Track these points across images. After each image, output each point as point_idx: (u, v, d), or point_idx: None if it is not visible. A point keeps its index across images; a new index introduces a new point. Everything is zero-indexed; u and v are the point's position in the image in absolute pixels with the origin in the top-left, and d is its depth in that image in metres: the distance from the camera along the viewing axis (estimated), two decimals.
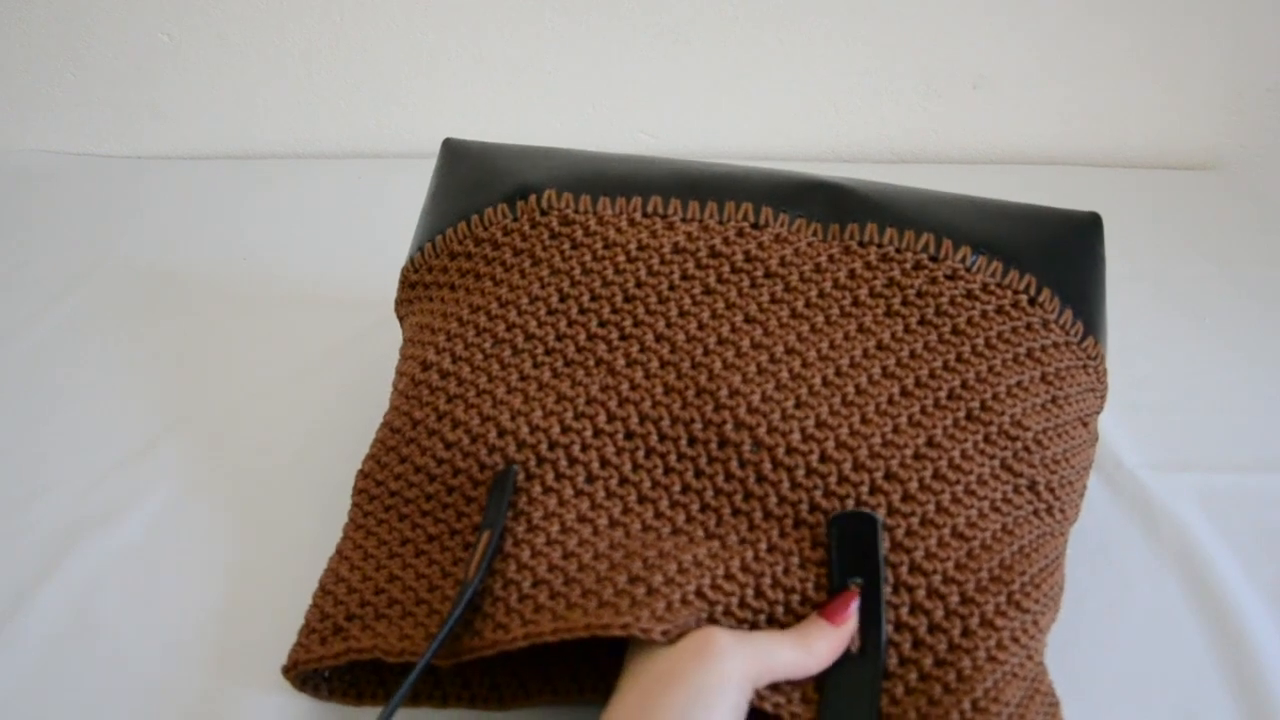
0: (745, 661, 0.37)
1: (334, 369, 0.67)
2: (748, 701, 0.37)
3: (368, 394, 0.57)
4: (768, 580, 0.41)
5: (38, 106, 0.98)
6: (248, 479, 0.58)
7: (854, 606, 0.40)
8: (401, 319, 0.56)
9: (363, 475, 0.49)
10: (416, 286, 0.55)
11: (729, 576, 0.41)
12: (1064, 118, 1.01)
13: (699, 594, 0.40)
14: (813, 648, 0.39)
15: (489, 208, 0.52)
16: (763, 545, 0.42)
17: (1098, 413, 0.51)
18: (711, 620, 0.40)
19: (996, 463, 0.44)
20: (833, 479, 0.43)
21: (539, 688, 0.45)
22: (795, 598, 0.41)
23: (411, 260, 0.55)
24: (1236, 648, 0.49)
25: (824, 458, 0.43)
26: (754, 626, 0.40)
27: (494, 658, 0.45)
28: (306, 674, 0.44)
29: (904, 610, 0.41)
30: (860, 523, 0.42)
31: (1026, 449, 0.45)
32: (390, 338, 0.59)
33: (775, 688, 0.39)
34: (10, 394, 0.66)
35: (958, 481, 0.43)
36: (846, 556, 0.42)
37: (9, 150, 0.98)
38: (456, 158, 0.56)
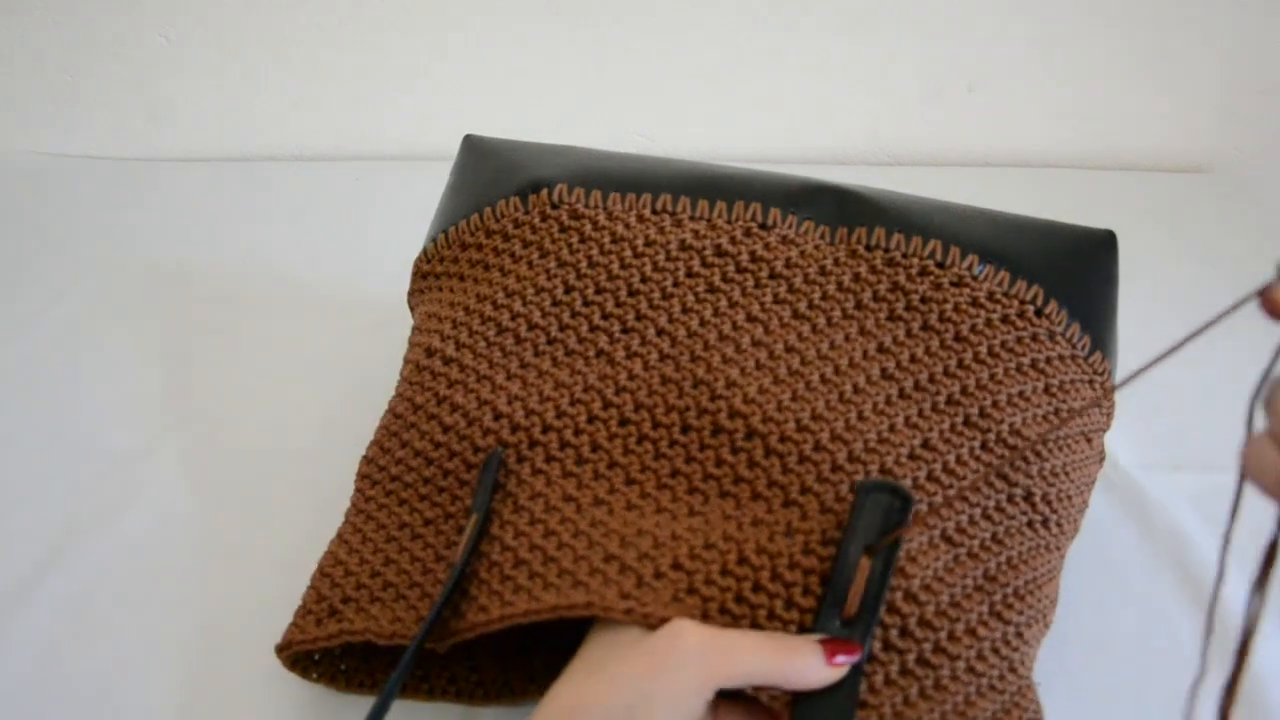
0: (708, 668, 0.35)
1: (333, 369, 0.67)
2: (705, 704, 0.35)
3: (367, 395, 0.57)
4: (751, 546, 0.40)
5: (35, 109, 0.97)
6: (247, 479, 0.58)
7: (853, 661, 0.37)
8: (413, 309, 0.57)
9: (366, 461, 0.49)
10: (428, 277, 0.55)
11: (709, 546, 0.40)
12: (1059, 121, 1.01)
13: (675, 566, 0.39)
14: (791, 671, 0.36)
15: (501, 200, 0.53)
16: (747, 519, 0.41)
17: (1104, 430, 0.50)
18: (690, 591, 0.38)
19: (992, 471, 0.44)
20: (826, 466, 0.42)
21: (523, 686, 0.45)
22: (782, 561, 0.39)
23: (424, 251, 0.55)
24: (1230, 648, 0.49)
25: (818, 447, 0.43)
26: (738, 595, 0.38)
27: (480, 651, 0.45)
28: (297, 655, 0.45)
29: (898, 596, 0.40)
30: (892, 495, 0.40)
31: (1024, 459, 0.44)
32: (389, 339, 0.60)
33: None
34: (10, 394, 0.66)
35: (950, 485, 0.43)
36: (865, 528, 0.39)
37: (6, 152, 0.98)
38: (475, 153, 0.57)
